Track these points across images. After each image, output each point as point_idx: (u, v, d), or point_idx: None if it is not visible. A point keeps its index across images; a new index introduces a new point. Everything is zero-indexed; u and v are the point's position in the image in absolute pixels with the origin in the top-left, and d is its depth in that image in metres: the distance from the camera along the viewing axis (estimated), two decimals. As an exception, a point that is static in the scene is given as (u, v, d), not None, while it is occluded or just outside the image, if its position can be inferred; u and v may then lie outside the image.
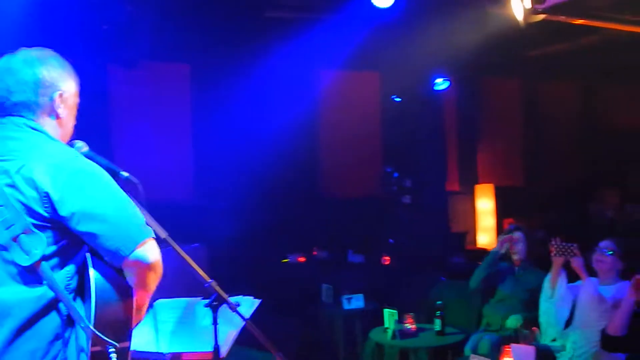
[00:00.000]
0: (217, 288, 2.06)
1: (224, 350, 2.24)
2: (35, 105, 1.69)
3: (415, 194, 6.96)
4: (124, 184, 1.93)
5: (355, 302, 4.98)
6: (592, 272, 3.77)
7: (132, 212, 1.65)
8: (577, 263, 3.67)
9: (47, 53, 1.76)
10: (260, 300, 2.48)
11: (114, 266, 1.61)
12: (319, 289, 5.46)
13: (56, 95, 1.72)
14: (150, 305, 2.49)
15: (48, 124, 1.72)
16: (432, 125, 7.05)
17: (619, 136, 11.47)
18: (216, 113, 6.94)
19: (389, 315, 4.08)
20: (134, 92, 6.87)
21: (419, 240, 6.84)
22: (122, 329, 1.62)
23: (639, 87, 11.65)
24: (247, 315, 2.29)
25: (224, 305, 2.09)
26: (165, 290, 2.57)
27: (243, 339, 3.01)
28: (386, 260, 6.77)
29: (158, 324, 2.38)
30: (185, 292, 2.68)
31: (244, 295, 2.53)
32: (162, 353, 2.37)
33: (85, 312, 1.58)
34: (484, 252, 8.49)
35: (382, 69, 8.03)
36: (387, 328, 4.08)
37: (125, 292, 1.63)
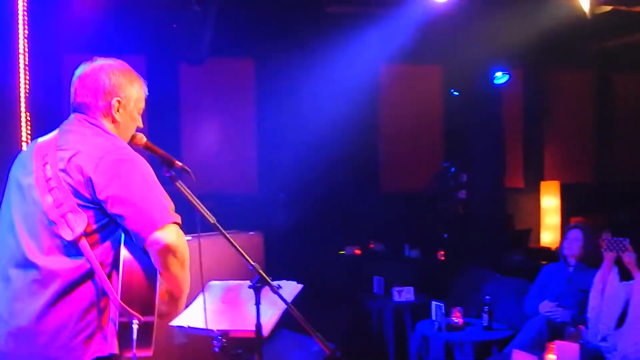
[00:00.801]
0: (260, 271, 2.21)
1: (266, 330, 2.39)
2: (95, 107, 1.95)
3: (471, 189, 6.90)
4: (178, 173, 2.13)
5: (406, 294, 5.05)
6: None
7: (157, 199, 1.84)
8: (629, 258, 3.58)
9: (115, 63, 2.01)
10: (302, 286, 2.62)
11: (139, 246, 1.81)
12: (371, 281, 5.55)
13: (114, 101, 1.96)
14: (202, 287, 2.69)
15: (106, 124, 1.97)
16: (491, 120, 6.94)
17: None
18: (279, 107, 7.16)
19: (437, 309, 4.14)
20: (202, 88, 7.20)
21: (474, 236, 6.80)
22: (147, 305, 1.83)
23: None
24: (289, 298, 2.43)
25: (267, 288, 2.25)
26: (216, 272, 2.77)
27: (294, 324, 3.17)
28: (441, 255, 6.78)
29: (207, 303, 2.56)
30: (236, 275, 2.87)
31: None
32: (211, 329, 2.55)
33: (115, 286, 1.80)
34: (547, 250, 8.34)
35: (444, 62, 7.99)
36: (434, 321, 4.14)
37: (150, 272, 1.85)
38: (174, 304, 2.02)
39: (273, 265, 2.28)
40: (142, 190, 1.83)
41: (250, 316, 2.42)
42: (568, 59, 8.91)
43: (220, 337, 2.55)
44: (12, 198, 1.92)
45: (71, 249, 1.80)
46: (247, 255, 2.17)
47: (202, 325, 2.53)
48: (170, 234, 1.81)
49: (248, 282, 2.31)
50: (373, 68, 7.63)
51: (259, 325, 2.27)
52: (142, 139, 2.08)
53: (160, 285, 1.89)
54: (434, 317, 4.16)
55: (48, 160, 1.86)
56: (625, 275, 3.70)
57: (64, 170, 1.83)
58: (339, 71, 6.96)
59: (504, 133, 7.11)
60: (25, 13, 3.35)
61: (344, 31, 6.44)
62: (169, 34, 5.72)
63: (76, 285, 1.79)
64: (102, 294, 1.82)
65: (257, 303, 2.25)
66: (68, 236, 1.79)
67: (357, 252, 6.97)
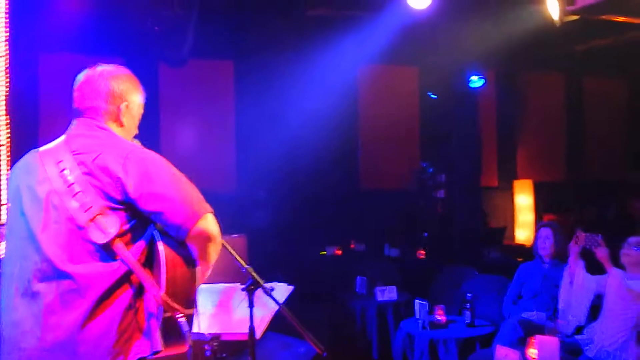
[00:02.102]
0: (253, 273, 2.25)
1: (259, 332, 2.42)
2: (104, 112, 1.96)
3: (449, 189, 7.02)
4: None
5: (389, 293, 5.13)
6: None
7: (191, 191, 1.86)
8: (601, 253, 3.69)
9: (120, 69, 2.03)
10: (293, 287, 2.65)
11: (179, 240, 1.81)
12: (354, 281, 5.61)
13: (123, 105, 1.98)
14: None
15: (113, 128, 1.98)
16: (466, 121, 7.08)
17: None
18: (258, 108, 7.17)
19: (421, 307, 4.22)
20: (181, 89, 7.17)
21: (452, 234, 6.92)
22: (189, 297, 1.84)
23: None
24: (281, 300, 2.47)
25: (259, 290, 2.28)
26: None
27: (278, 325, 3.20)
28: (421, 254, 6.88)
29: (199, 306, 2.58)
30: (224, 278, 2.89)
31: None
32: (202, 333, 2.57)
33: (156, 282, 1.79)
34: (522, 247, 8.51)
35: (421, 64, 8.11)
36: (418, 319, 4.22)
37: (190, 263, 1.84)
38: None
39: (254, 267, 2.31)
40: (175, 184, 1.83)
41: (242, 319, 2.45)
42: (539, 63, 9.11)
43: (211, 341, 2.57)
44: (27, 209, 1.85)
45: (104, 252, 1.78)
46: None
47: (194, 330, 2.55)
48: (213, 224, 1.85)
49: (239, 285, 2.33)
50: (352, 69, 7.70)
51: (252, 328, 2.30)
52: (137, 143, 2.10)
53: (200, 276, 1.89)
54: (417, 316, 4.23)
55: (65, 165, 1.83)
56: (599, 269, 3.81)
57: (88, 174, 1.80)
58: (318, 72, 7.00)
59: (479, 134, 7.24)
60: (7, 15, 3.30)
61: (323, 33, 6.49)
62: (149, 35, 5.70)
63: (114, 289, 1.76)
64: (138, 293, 1.80)
65: (251, 305, 2.28)
66: (101, 239, 1.76)
67: (338, 252, 7.03)
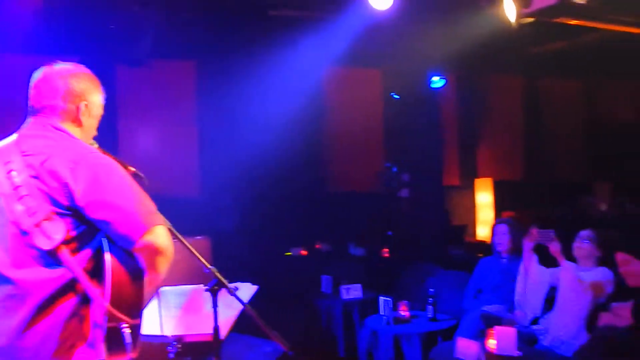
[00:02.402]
0: (217, 274, 2.25)
1: (223, 332, 2.43)
2: (61, 111, 1.90)
3: (412, 188, 7.14)
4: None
5: (353, 292, 5.19)
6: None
7: (142, 201, 1.81)
8: (554, 248, 3.82)
9: (79, 68, 1.99)
10: (257, 287, 2.67)
11: (126, 250, 1.77)
12: (319, 281, 5.65)
13: (82, 105, 1.93)
14: (155, 292, 2.69)
15: (70, 128, 1.92)
16: (429, 122, 7.21)
17: (616, 132, 11.62)
18: (221, 109, 7.12)
19: (385, 303, 4.29)
20: (141, 90, 7.07)
21: (416, 233, 7.03)
22: (135, 308, 1.79)
23: (637, 83, 11.78)
24: (245, 299, 2.48)
25: (223, 290, 2.29)
26: (169, 278, 2.78)
27: (244, 326, 3.21)
28: (385, 252, 6.97)
29: (162, 309, 2.58)
30: (188, 280, 2.89)
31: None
32: (166, 336, 2.57)
33: (100, 292, 1.75)
34: (483, 244, 8.70)
35: (383, 66, 8.20)
36: (382, 315, 4.29)
37: (137, 274, 1.79)
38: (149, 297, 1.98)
39: (219, 269, 2.32)
40: (125, 193, 1.79)
41: (206, 320, 2.45)
42: (498, 65, 9.34)
43: (175, 343, 2.57)
44: None
45: (49, 258, 1.73)
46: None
47: (156, 332, 2.54)
48: (162, 237, 1.80)
49: (202, 286, 2.33)
50: (316, 71, 7.73)
51: (217, 328, 2.31)
52: (94, 144, 2.07)
53: (147, 287, 1.85)
54: (382, 312, 4.31)
55: (13, 167, 1.78)
56: (554, 262, 3.94)
57: (36, 177, 1.76)
58: (282, 74, 7.01)
59: (441, 134, 7.37)
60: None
61: (286, 34, 6.50)
62: (106, 34, 5.59)
63: (57, 297, 1.72)
64: (83, 302, 1.76)
65: (215, 306, 2.28)
66: (45, 245, 1.71)
67: (304, 252, 7.06)
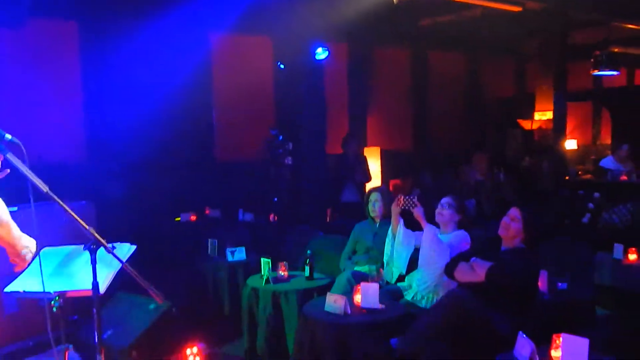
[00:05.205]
0: (95, 233, 2.42)
1: (102, 288, 2.59)
2: None
3: (296, 156, 7.43)
4: (7, 145, 2.25)
5: (238, 254, 5.44)
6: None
7: None
8: (417, 212, 4.26)
9: None
10: (135, 247, 2.84)
11: None
12: (207, 245, 5.85)
13: None
14: (36, 254, 2.80)
15: None
16: (314, 92, 7.50)
17: (494, 106, 12.60)
18: (107, 73, 6.93)
19: (265, 264, 4.59)
20: (20, 53, 6.75)
21: (301, 199, 7.39)
22: None
23: (516, 60, 12.78)
24: (124, 258, 2.66)
25: (102, 249, 2.46)
26: (50, 240, 2.89)
27: (130, 286, 3.37)
28: (272, 217, 7.27)
29: (43, 268, 2.69)
30: (69, 242, 3.00)
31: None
32: (48, 292, 2.69)
33: None
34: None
35: (273, 34, 8.35)
36: (262, 275, 4.59)
37: None
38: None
39: (107, 235, 2.47)
40: None
41: (86, 277, 2.61)
42: (388, 37, 9.79)
43: (57, 298, 2.70)
44: None
45: None
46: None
47: (39, 289, 2.65)
48: None
49: (82, 246, 2.49)
50: (204, 36, 7.73)
51: (96, 284, 2.48)
52: None
53: None
54: (262, 272, 4.60)
55: None
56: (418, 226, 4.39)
57: None
58: (170, 39, 6.95)
59: (325, 104, 7.69)
60: None
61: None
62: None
63: None
64: None
65: (93, 262, 2.45)
66: None
67: (193, 218, 7.18)
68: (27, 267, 2.83)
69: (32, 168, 2.31)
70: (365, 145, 9.97)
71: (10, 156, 2.17)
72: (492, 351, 3.07)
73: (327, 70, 8.14)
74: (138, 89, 6.78)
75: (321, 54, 7.24)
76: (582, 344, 2.71)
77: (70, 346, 2.84)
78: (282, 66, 7.78)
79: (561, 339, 2.81)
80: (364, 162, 7.97)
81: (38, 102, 6.79)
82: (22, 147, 2.24)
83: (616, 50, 10.24)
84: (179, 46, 7.04)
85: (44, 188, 2.23)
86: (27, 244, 2.24)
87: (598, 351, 2.86)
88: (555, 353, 2.85)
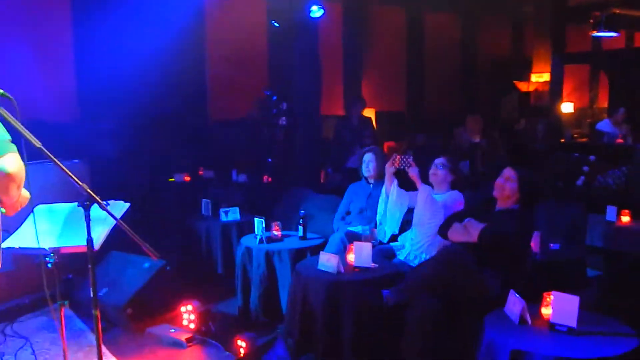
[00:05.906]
0: (88, 190, 2.41)
1: (97, 244, 2.61)
2: None
3: (290, 117, 7.39)
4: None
5: (232, 214, 5.45)
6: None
7: None
8: (412, 172, 4.25)
9: None
10: (129, 204, 2.85)
11: None
12: (200, 205, 5.86)
13: None
14: (31, 211, 2.80)
15: None
16: (309, 51, 7.40)
17: (489, 68, 12.51)
18: (99, 31, 6.83)
19: (258, 223, 4.61)
20: (12, 10, 6.61)
21: (295, 160, 7.37)
22: None
23: (513, 20, 12.61)
24: (118, 215, 2.66)
25: (96, 207, 2.46)
26: (44, 197, 2.88)
27: (125, 245, 3.37)
28: (267, 178, 7.27)
29: (37, 225, 2.70)
30: (63, 199, 3.00)
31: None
32: (43, 248, 2.70)
33: None
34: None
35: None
36: (256, 235, 4.61)
37: None
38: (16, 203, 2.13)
39: (101, 193, 2.46)
40: None
41: (81, 234, 2.62)
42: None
43: (52, 254, 2.71)
44: None
45: None
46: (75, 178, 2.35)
47: (33, 245, 2.67)
48: (11, 163, 1.94)
49: (76, 204, 2.48)
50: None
51: (90, 240, 2.48)
52: None
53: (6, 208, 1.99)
54: (256, 232, 4.62)
55: None
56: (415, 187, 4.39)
57: None
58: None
59: (320, 64, 7.59)
60: None
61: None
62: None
63: None
64: None
65: (87, 219, 2.45)
66: None
67: (187, 178, 7.17)
68: (21, 224, 2.84)
69: (25, 127, 2.28)
70: (360, 107, 9.90)
71: (2, 110, 2.15)
72: (483, 308, 3.11)
73: (322, 30, 8.02)
74: (130, 47, 6.67)
75: (316, 12, 7.09)
76: (572, 301, 2.71)
77: (66, 302, 2.86)
78: (276, 24, 7.65)
79: (552, 296, 2.82)
80: (370, 125, 7.91)
81: (30, 62, 6.67)
82: (15, 103, 2.20)
83: (617, 11, 10.11)
84: (172, 4, 6.89)
85: (37, 143, 2.21)
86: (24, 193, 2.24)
87: (588, 310, 2.90)
88: (545, 310, 2.88)
